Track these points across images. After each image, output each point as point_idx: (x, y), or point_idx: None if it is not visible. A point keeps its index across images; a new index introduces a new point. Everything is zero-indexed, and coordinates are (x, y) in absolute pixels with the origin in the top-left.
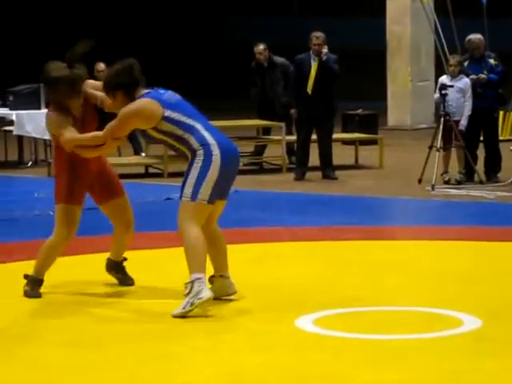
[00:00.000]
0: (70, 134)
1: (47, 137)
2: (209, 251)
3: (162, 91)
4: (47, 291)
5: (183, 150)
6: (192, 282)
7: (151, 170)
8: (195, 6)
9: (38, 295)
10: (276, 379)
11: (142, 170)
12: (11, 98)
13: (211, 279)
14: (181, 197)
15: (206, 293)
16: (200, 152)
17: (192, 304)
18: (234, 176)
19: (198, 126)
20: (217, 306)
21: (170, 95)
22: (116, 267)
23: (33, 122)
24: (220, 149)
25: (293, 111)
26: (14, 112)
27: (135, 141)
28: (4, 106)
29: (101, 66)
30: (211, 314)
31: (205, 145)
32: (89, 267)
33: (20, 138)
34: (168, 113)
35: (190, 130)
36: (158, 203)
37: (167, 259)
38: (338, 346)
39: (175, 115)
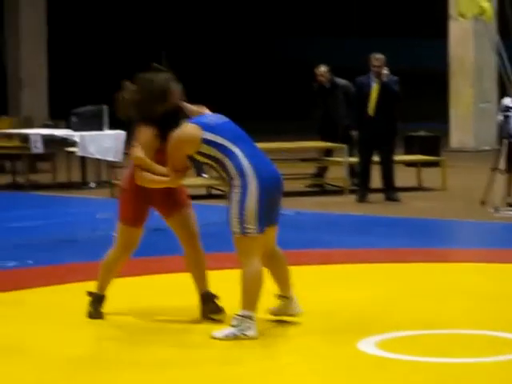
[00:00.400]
0: (143, 155)
1: (110, 158)
2: (271, 272)
3: (207, 115)
4: (110, 312)
5: (224, 176)
6: (243, 317)
7: (213, 192)
8: (249, 27)
9: (101, 317)
10: None
11: (204, 192)
12: (74, 120)
13: (278, 297)
14: (232, 232)
15: (254, 333)
16: (237, 182)
17: (236, 337)
18: (279, 202)
19: (237, 152)
20: (278, 327)
21: (213, 119)
22: (206, 298)
23: (96, 143)
24: (259, 179)
25: (354, 133)
26: (77, 133)
27: (197, 163)
28: (67, 127)
29: None
30: (273, 335)
31: (241, 175)
32: (152, 288)
33: (83, 159)
34: (207, 135)
35: (229, 154)
36: (221, 224)
37: (231, 280)
38: (400, 369)
39: (215, 138)
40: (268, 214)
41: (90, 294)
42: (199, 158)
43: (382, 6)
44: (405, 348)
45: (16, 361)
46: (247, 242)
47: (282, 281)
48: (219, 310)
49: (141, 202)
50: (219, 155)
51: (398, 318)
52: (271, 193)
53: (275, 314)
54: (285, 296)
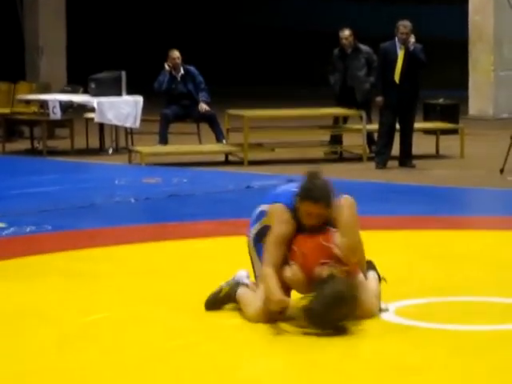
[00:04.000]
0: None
1: (128, 124)
2: None
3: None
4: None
5: None
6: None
7: (231, 158)
8: None
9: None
10: (356, 369)
11: (222, 158)
12: (93, 86)
13: None
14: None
15: None
16: None
17: None
18: None
19: None
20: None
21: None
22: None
23: (114, 109)
24: None
25: (379, 99)
26: (95, 99)
27: (216, 128)
28: (85, 93)
29: (175, 53)
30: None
31: None
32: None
33: (101, 126)
34: None
35: None
36: (239, 191)
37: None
38: (419, 336)
39: None
40: None
41: None
42: None
43: None
44: (424, 315)
45: (35, 326)
46: None
47: None
48: None
49: None
50: None
51: (416, 285)
52: None
53: None
54: None
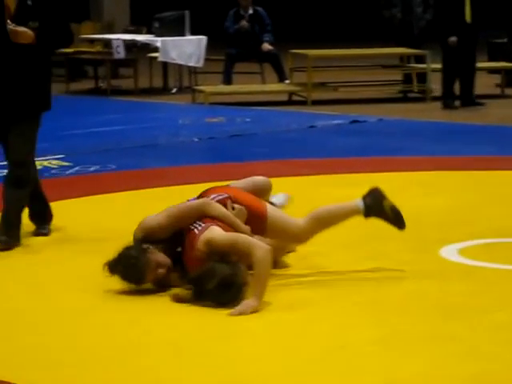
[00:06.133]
0: None
1: (192, 63)
2: None
3: None
4: None
5: None
6: None
7: (294, 98)
8: None
9: None
10: (419, 308)
11: (285, 98)
12: (157, 25)
13: None
14: None
15: None
16: None
17: None
18: None
19: None
20: (360, 232)
21: None
22: None
23: (177, 48)
24: None
25: (454, 39)
26: (159, 39)
27: (279, 68)
28: (149, 32)
29: None
30: (358, 241)
31: None
32: None
33: (165, 65)
34: None
35: None
36: (302, 130)
37: (311, 186)
38: (483, 277)
39: None
40: None
41: None
42: None
43: None
44: (488, 255)
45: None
46: None
47: None
48: None
49: None
50: None
51: (482, 225)
52: None
53: None
54: None
